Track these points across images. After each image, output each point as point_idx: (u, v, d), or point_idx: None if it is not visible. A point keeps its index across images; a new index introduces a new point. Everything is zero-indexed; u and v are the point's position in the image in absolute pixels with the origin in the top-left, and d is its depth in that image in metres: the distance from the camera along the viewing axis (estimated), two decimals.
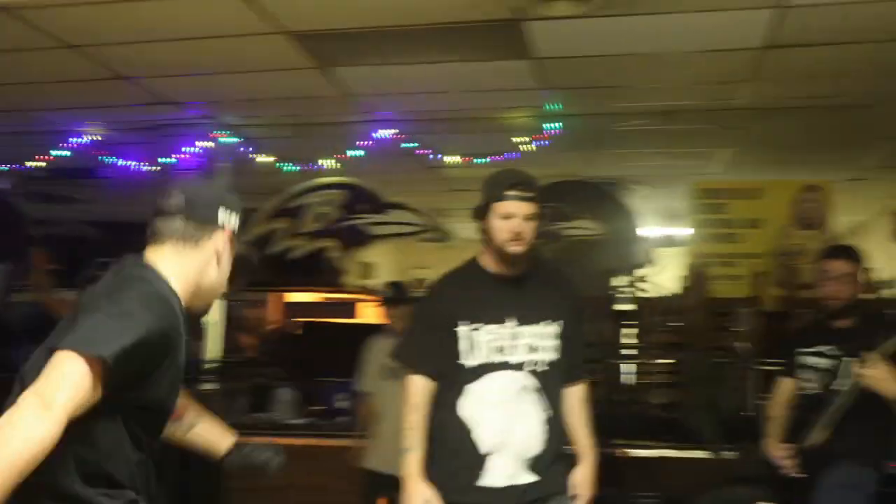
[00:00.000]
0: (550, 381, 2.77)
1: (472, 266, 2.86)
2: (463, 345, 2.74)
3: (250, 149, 5.94)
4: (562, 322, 2.80)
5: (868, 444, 3.27)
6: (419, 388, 2.78)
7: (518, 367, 2.74)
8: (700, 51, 4.37)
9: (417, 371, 2.80)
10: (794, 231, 6.27)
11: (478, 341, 2.74)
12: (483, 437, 2.72)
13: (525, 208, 2.68)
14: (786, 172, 6.71)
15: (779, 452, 3.43)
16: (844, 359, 3.22)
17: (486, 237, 2.76)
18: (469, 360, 2.74)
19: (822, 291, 3.45)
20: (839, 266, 3.41)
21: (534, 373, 2.74)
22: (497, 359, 2.73)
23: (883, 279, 6.52)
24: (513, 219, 2.67)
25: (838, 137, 6.03)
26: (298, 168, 6.11)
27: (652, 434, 4.98)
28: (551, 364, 2.77)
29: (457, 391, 2.74)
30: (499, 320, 2.75)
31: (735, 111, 5.36)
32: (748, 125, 5.63)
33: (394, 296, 4.60)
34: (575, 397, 2.88)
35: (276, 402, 5.78)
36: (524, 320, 2.76)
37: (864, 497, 3.24)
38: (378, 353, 4.40)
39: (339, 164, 5.99)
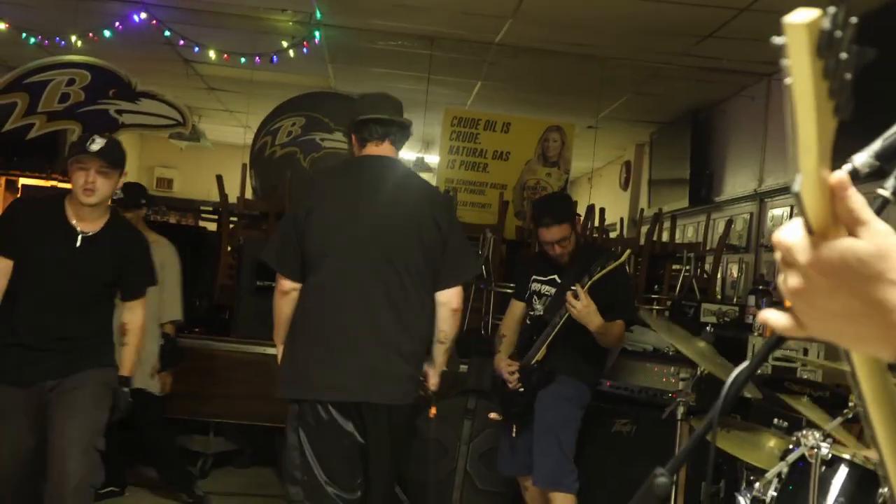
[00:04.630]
0: None
1: None
2: None
3: None
4: None
5: (582, 363, 3.58)
6: None
7: None
8: None
9: None
10: (537, 166, 6.74)
11: None
12: None
13: None
14: (531, 112, 7.14)
15: (505, 368, 3.64)
16: (570, 287, 3.43)
17: None
18: None
19: (547, 251, 3.60)
20: (552, 233, 3.53)
21: None
22: None
23: (609, 223, 7.21)
24: None
25: (583, 86, 6.51)
26: (41, 41, 5.61)
27: None
28: None
29: None
30: None
31: (493, 45, 5.61)
32: (503, 61, 5.92)
33: (126, 199, 4.05)
34: None
35: None
36: None
37: (578, 409, 3.55)
38: None
39: (87, 45, 5.57)
